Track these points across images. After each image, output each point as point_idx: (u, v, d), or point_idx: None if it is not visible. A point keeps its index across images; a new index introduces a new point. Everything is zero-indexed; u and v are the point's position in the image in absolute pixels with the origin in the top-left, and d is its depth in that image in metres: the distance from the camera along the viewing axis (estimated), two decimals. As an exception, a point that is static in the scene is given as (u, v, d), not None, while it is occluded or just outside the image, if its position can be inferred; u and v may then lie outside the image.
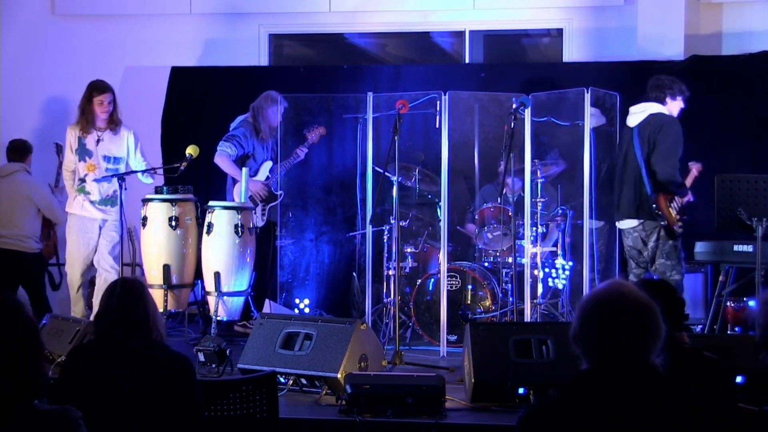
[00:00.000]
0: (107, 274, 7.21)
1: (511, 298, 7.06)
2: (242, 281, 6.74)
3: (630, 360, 2.47)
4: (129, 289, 3.87)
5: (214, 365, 6.05)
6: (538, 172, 7.29)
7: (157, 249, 6.74)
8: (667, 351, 2.71)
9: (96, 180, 7.29)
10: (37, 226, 7.92)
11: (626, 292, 2.52)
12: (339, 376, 5.42)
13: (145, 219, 6.78)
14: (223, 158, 7.69)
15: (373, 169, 7.23)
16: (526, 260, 7.09)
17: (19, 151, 8.12)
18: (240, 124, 7.89)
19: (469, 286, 7.29)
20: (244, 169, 7.42)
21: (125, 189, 7.01)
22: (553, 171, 7.50)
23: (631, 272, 6.78)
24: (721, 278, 7.14)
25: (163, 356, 3.84)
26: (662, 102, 6.71)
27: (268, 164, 7.90)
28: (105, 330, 3.86)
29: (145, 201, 6.88)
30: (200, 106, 8.72)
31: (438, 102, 7.03)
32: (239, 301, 6.81)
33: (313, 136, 7.94)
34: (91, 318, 6.45)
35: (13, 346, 2.51)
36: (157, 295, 6.60)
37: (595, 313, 2.52)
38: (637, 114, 6.70)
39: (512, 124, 6.45)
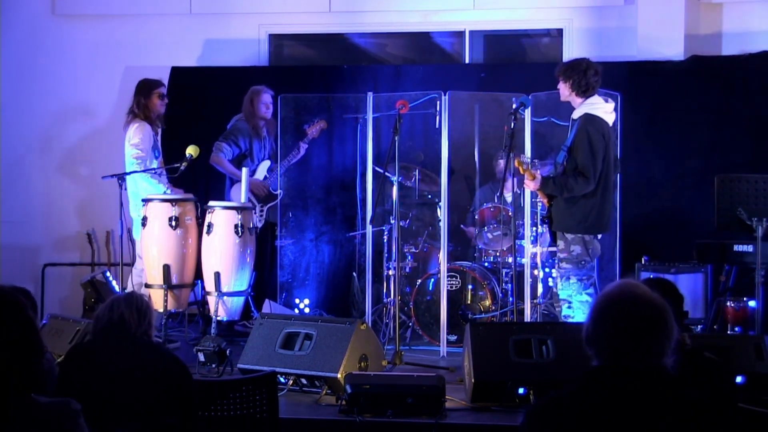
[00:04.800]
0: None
1: (511, 298, 7.06)
2: (242, 281, 6.74)
3: (641, 360, 2.47)
4: (136, 303, 3.96)
5: (214, 365, 6.05)
6: (539, 172, 7.28)
7: (157, 249, 6.73)
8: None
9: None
10: None
11: (639, 292, 2.53)
12: (339, 376, 5.42)
13: (145, 219, 6.78)
14: (219, 158, 7.70)
15: (373, 169, 7.23)
16: (526, 260, 7.09)
17: None
18: (234, 124, 7.90)
19: (469, 286, 7.29)
20: (244, 168, 7.42)
21: (125, 189, 7.01)
22: (547, 172, 7.48)
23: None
24: (721, 278, 7.14)
25: (157, 357, 3.89)
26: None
27: (266, 163, 7.90)
28: (97, 333, 3.94)
29: (145, 201, 6.87)
30: (200, 106, 8.72)
31: (438, 102, 7.03)
32: (239, 301, 6.81)
33: (314, 131, 7.95)
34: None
35: (11, 340, 2.53)
36: (157, 295, 6.60)
37: (608, 313, 2.52)
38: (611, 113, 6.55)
39: (512, 124, 6.44)
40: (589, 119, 6.23)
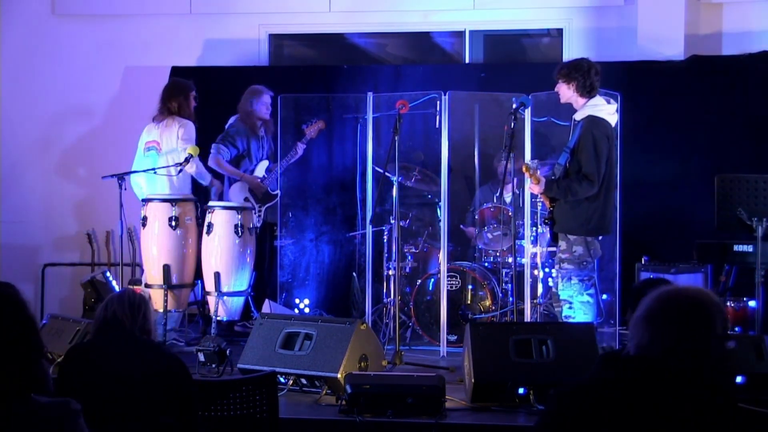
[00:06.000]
0: None
1: (511, 298, 7.06)
2: (242, 281, 6.74)
3: (682, 360, 2.49)
4: (128, 298, 3.95)
5: (214, 365, 6.05)
6: (539, 172, 7.28)
7: (157, 249, 6.74)
8: None
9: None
10: None
11: (707, 299, 2.55)
12: (339, 376, 5.42)
13: (145, 219, 6.78)
14: (218, 159, 7.68)
15: (373, 169, 7.23)
16: (526, 260, 7.08)
17: None
18: (232, 125, 7.89)
19: (469, 286, 7.29)
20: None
21: (125, 189, 7.01)
22: (547, 172, 7.49)
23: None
24: (721, 278, 7.14)
25: (157, 356, 3.88)
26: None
27: (264, 163, 7.89)
28: (98, 330, 3.93)
29: (145, 201, 6.87)
30: (200, 106, 8.70)
31: (438, 102, 7.03)
32: (239, 301, 6.81)
33: (312, 132, 7.93)
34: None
35: (11, 340, 2.53)
36: (157, 295, 6.60)
37: (661, 307, 2.54)
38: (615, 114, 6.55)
39: (512, 124, 6.43)
40: (594, 122, 6.22)
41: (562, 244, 6.31)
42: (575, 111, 6.45)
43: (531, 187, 6.39)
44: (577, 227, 6.25)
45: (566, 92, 6.36)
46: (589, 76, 6.26)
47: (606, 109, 6.30)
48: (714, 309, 2.53)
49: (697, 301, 2.53)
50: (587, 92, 6.28)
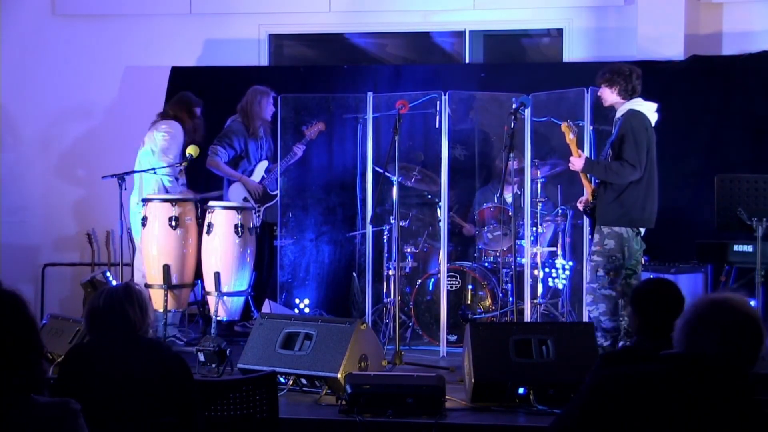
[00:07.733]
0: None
1: (511, 298, 7.06)
2: (242, 281, 6.74)
3: (730, 359, 2.55)
4: (137, 299, 3.92)
5: (214, 365, 6.05)
6: (539, 173, 7.29)
7: (157, 249, 6.74)
8: None
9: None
10: None
11: (757, 314, 2.65)
12: (339, 376, 5.42)
13: (145, 219, 6.78)
14: (215, 161, 7.67)
15: (373, 169, 7.23)
16: (526, 260, 7.09)
17: None
18: (229, 125, 7.87)
19: (469, 286, 7.29)
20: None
21: (125, 189, 7.01)
22: (547, 172, 7.48)
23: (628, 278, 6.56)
24: (721, 278, 7.14)
25: (158, 355, 3.87)
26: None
27: (264, 164, 7.88)
28: (96, 330, 3.91)
29: (145, 201, 6.88)
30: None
31: (438, 102, 7.03)
32: (239, 301, 6.81)
33: (311, 133, 7.92)
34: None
35: (12, 340, 2.54)
36: (157, 295, 6.60)
37: (722, 309, 2.59)
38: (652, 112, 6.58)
39: (512, 124, 6.44)
40: (633, 114, 6.33)
41: (596, 237, 6.34)
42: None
43: (572, 162, 6.40)
44: (617, 218, 6.28)
45: (609, 96, 6.43)
46: (631, 80, 6.38)
47: (646, 106, 6.41)
48: (762, 323, 2.61)
49: (751, 312, 2.61)
50: (629, 95, 6.37)
